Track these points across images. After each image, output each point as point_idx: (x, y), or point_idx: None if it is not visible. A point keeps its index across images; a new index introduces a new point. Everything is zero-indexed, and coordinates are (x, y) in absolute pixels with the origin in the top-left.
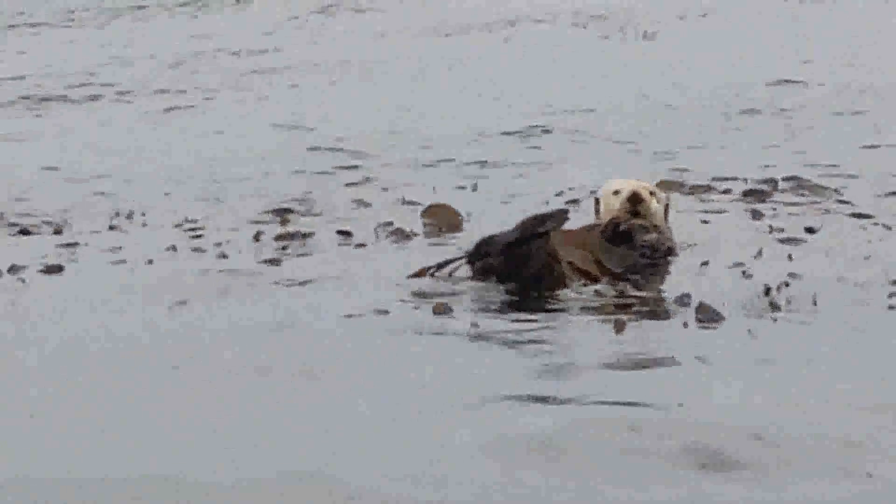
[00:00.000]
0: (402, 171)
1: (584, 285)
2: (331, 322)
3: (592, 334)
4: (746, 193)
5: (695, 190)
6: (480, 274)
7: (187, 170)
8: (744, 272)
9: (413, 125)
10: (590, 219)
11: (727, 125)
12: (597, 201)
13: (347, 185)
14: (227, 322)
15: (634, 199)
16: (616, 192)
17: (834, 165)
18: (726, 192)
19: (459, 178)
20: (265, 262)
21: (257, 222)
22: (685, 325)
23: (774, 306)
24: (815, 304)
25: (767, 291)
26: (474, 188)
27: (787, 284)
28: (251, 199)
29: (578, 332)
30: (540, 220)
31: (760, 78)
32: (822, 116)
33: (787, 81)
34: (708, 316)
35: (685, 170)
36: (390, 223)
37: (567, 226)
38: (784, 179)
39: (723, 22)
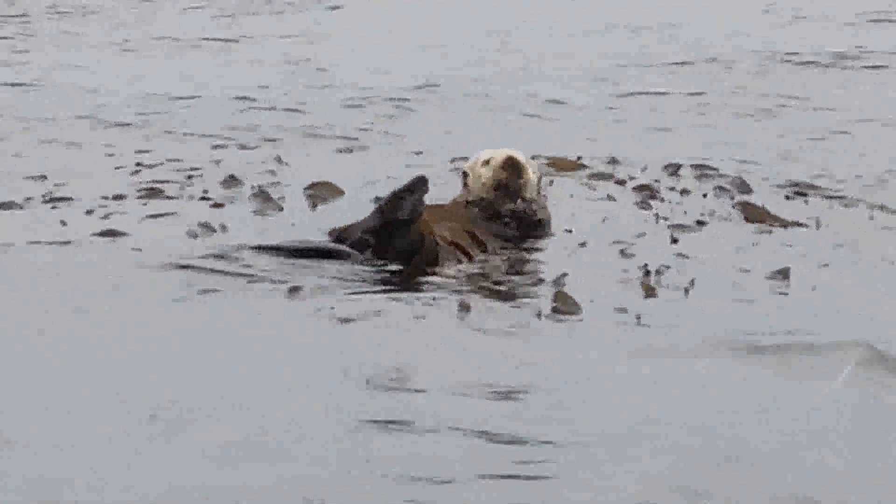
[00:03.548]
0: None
1: (459, 262)
2: None
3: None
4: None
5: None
6: (355, 248)
7: None
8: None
9: None
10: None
11: None
12: (465, 175)
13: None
14: None
15: (510, 165)
16: (487, 162)
17: None
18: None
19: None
20: None
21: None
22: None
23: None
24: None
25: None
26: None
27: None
28: None
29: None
30: (398, 201)
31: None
32: None
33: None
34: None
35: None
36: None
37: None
38: None
39: None
